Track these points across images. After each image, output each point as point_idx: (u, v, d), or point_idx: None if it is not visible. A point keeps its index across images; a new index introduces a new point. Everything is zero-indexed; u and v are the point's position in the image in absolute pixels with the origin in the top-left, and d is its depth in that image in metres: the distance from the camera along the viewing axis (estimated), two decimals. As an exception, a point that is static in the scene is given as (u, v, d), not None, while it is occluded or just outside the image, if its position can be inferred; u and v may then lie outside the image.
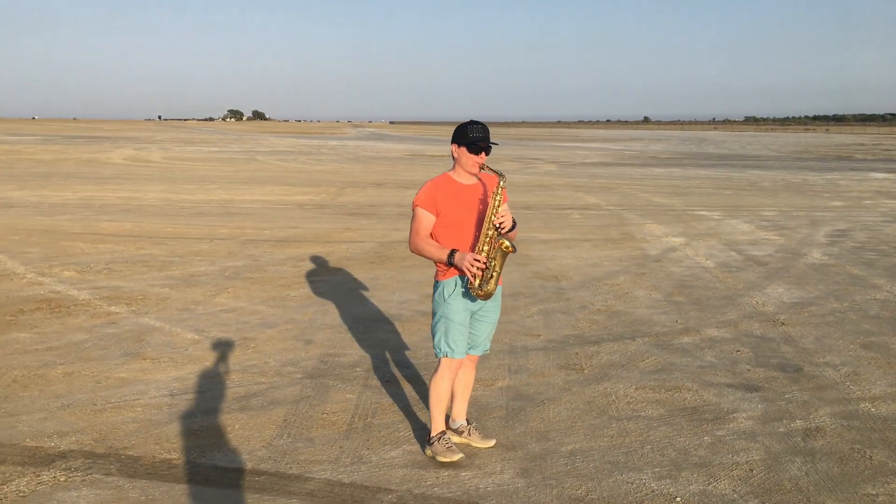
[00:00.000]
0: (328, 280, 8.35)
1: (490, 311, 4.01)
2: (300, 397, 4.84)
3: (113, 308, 6.99)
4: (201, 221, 12.92)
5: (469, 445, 4.16)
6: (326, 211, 14.72)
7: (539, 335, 6.29)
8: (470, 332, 4.01)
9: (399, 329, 6.43)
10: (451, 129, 3.93)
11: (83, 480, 3.68)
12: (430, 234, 3.85)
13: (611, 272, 8.94)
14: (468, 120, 3.83)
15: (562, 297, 7.66)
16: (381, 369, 5.42)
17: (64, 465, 3.82)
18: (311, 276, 8.52)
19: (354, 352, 5.80)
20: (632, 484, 3.74)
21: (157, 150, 39.56)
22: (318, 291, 7.80)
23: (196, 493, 3.58)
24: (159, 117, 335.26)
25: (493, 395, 4.94)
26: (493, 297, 3.94)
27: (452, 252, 3.73)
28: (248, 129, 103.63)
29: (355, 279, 8.41)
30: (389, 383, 5.16)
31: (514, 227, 3.87)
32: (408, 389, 5.04)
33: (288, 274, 8.63)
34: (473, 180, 3.87)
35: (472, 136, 3.74)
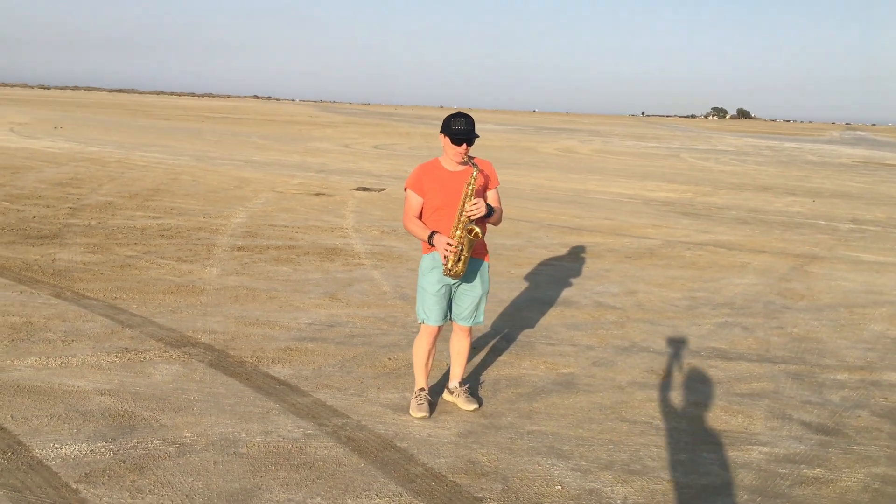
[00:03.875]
0: (560, 265, 8.87)
1: (472, 285, 4.40)
2: (391, 344, 5.73)
3: (365, 261, 8.61)
4: (534, 206, 14.13)
5: (455, 405, 4.63)
6: (665, 209, 14.72)
7: (678, 342, 6.10)
8: (455, 304, 4.47)
9: (555, 312, 6.80)
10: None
11: (182, 360, 5.17)
12: (421, 215, 4.37)
13: (881, 301, 7.75)
14: (455, 112, 4.28)
15: (770, 315, 7.06)
16: (485, 338, 5.99)
17: (185, 350, 5.37)
18: (551, 261, 9.11)
19: (486, 323, 6.40)
20: (541, 467, 3.88)
21: (598, 143, 41.92)
22: (534, 272, 8.42)
23: (229, 384, 4.79)
24: (643, 113, 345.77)
25: (545, 376, 5.20)
26: (475, 274, 4.36)
27: (433, 233, 4.24)
28: (720, 128, 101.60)
29: (586, 267, 8.77)
30: (476, 350, 5.71)
31: (490, 213, 4.20)
32: (481, 357, 5.55)
33: (536, 255, 9.35)
34: (461, 168, 4.29)
35: (455, 129, 4.17)
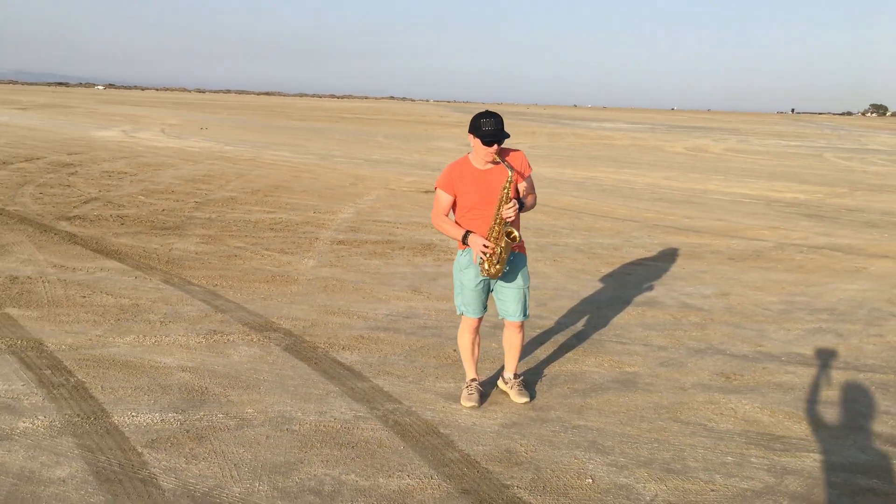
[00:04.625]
0: (654, 265, 8.70)
1: (513, 281, 4.46)
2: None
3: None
4: (645, 206, 13.85)
5: (507, 396, 4.73)
6: (788, 210, 14.05)
7: (759, 346, 5.90)
8: (499, 301, 4.55)
9: (634, 312, 6.72)
10: None
11: (261, 343, 5.53)
12: (454, 211, 4.46)
13: None
14: (483, 110, 4.33)
15: (872, 322, 6.66)
16: (554, 334, 6.03)
17: (266, 334, 5.74)
18: (646, 261, 8.95)
19: (555, 318, 6.44)
20: (577, 460, 3.92)
21: (732, 142, 40.24)
22: (625, 272, 8.32)
23: (298, 367, 5.09)
24: (792, 111, 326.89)
25: (606, 373, 5.19)
26: (514, 268, 4.43)
27: (467, 233, 4.30)
28: (876, 126, 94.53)
29: (681, 268, 8.56)
30: (541, 345, 5.76)
31: (521, 206, 4.26)
32: (547, 352, 5.60)
33: (631, 255, 9.22)
34: (490, 165, 4.33)
35: (485, 130, 4.19)
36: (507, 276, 4.42)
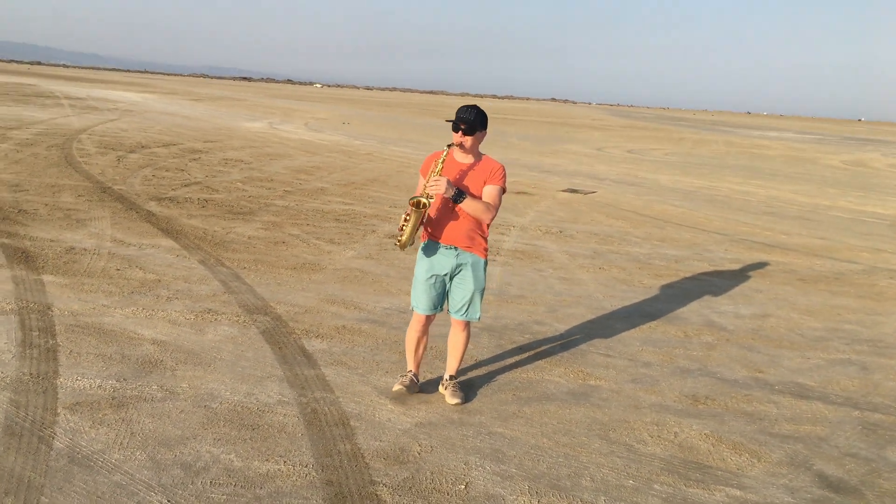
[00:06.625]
0: (706, 280, 8.19)
1: (464, 280, 4.39)
2: (441, 334, 5.81)
3: (499, 258, 8.68)
4: (746, 219, 13.04)
5: (442, 396, 4.66)
6: (912, 231, 12.74)
7: (759, 372, 5.44)
8: (450, 297, 4.50)
9: (646, 326, 6.38)
10: None
11: (243, 325, 5.73)
12: None
13: None
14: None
15: (917, 358, 5.96)
16: (543, 343, 5.84)
17: (254, 317, 5.94)
18: (702, 275, 8.45)
19: (556, 325, 6.22)
20: (465, 466, 3.79)
21: (902, 157, 36.92)
22: (671, 285, 7.89)
23: (261, 350, 5.23)
24: None
25: (564, 384, 4.97)
26: (468, 268, 4.36)
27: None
28: None
29: (735, 285, 8.01)
30: (521, 351, 5.61)
31: (457, 198, 4.16)
32: (516, 358, 5.44)
33: (689, 268, 8.72)
34: (469, 159, 4.30)
35: (455, 117, 4.24)
36: (464, 275, 4.35)
